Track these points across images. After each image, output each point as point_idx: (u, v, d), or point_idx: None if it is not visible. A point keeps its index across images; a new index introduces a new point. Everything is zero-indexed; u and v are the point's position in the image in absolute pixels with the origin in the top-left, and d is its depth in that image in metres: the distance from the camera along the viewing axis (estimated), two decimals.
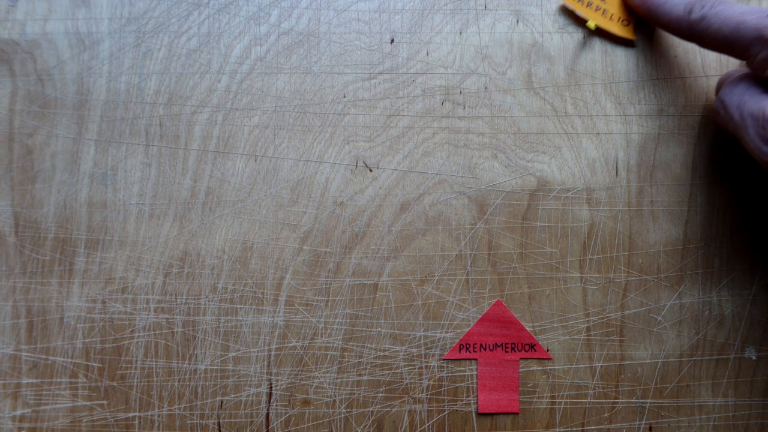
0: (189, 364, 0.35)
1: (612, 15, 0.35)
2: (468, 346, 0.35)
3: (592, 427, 0.35)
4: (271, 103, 0.35)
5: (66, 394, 0.34)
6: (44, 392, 0.34)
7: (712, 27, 0.30)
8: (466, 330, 0.35)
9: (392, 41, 0.36)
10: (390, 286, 0.35)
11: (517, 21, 0.36)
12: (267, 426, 0.34)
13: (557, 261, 0.35)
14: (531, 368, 0.35)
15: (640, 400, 0.35)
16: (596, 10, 0.35)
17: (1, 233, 0.35)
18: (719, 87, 0.34)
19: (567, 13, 0.36)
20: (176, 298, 0.35)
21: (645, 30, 0.36)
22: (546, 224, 0.35)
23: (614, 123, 0.35)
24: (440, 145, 0.35)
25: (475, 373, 0.35)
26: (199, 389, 0.34)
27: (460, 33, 0.36)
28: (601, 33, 0.36)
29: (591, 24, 0.35)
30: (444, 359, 0.35)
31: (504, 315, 0.35)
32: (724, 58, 0.36)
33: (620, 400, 0.35)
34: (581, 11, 0.35)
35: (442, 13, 0.36)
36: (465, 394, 0.34)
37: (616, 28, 0.35)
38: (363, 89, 0.36)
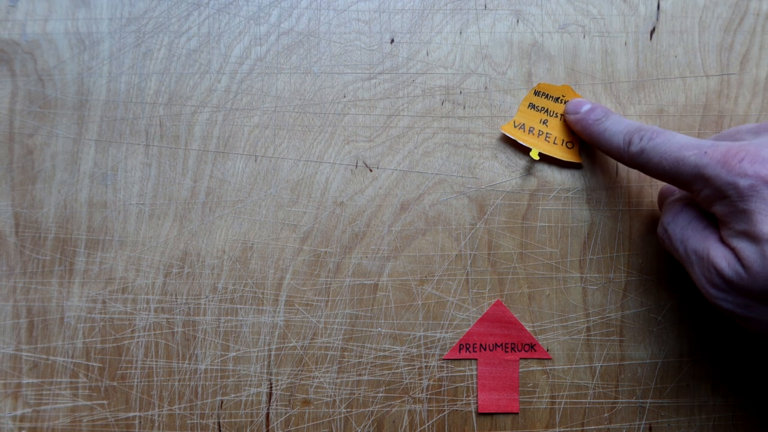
0: (189, 364, 0.35)
1: (555, 138, 0.35)
2: (468, 346, 0.35)
3: (592, 427, 0.35)
4: (271, 103, 0.35)
5: (66, 393, 0.34)
6: (45, 392, 0.34)
7: (651, 161, 0.29)
8: (466, 330, 0.35)
9: (392, 41, 0.36)
10: (390, 286, 0.35)
11: (517, 21, 0.36)
12: (267, 426, 0.34)
13: (557, 261, 0.35)
14: (531, 368, 0.35)
15: (640, 400, 0.35)
16: (539, 135, 0.35)
17: (2, 233, 0.35)
18: (661, 201, 0.33)
19: (508, 141, 0.35)
20: (176, 298, 0.35)
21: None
22: (546, 224, 0.35)
23: None
24: (440, 145, 0.35)
25: (475, 373, 0.35)
26: (199, 389, 0.34)
27: (460, 33, 0.36)
28: (546, 158, 0.35)
29: (534, 153, 0.34)
30: (444, 359, 0.35)
31: (504, 315, 0.35)
32: (724, 57, 0.36)
33: (620, 400, 0.35)
34: (522, 140, 0.35)
35: (442, 13, 0.36)
36: (465, 394, 0.35)
37: (561, 153, 0.35)
38: (363, 89, 0.36)
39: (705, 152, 0.27)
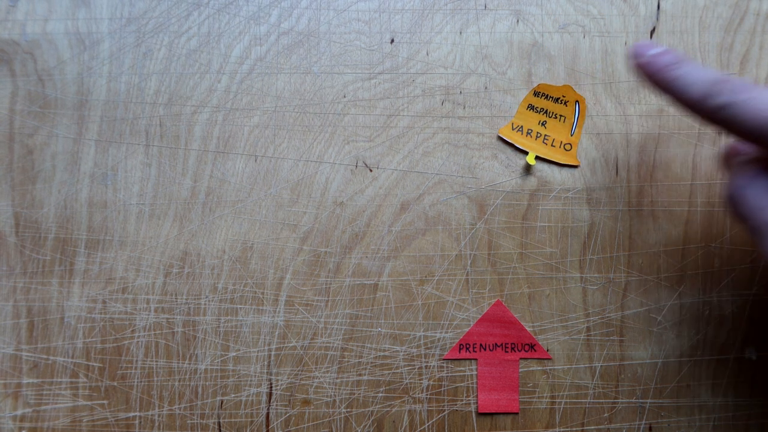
0: (189, 364, 0.35)
1: (553, 141, 0.35)
2: (468, 346, 0.35)
3: (592, 427, 0.35)
4: (271, 103, 0.35)
5: (66, 393, 0.34)
6: (45, 392, 0.34)
7: (736, 118, 0.25)
8: (466, 330, 0.35)
9: (392, 41, 0.36)
10: (390, 286, 0.35)
11: (517, 21, 0.36)
12: (267, 426, 0.34)
13: (557, 261, 0.35)
14: (531, 368, 0.35)
15: (640, 400, 0.35)
16: (536, 137, 0.35)
17: (2, 233, 0.35)
18: (727, 161, 0.30)
19: (505, 143, 0.35)
20: (176, 298, 0.35)
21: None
22: (546, 224, 0.35)
23: (614, 123, 0.35)
24: (440, 145, 0.35)
25: (475, 373, 0.35)
26: (200, 389, 0.34)
27: (460, 33, 0.36)
28: (543, 160, 0.35)
29: (530, 159, 0.34)
30: (444, 359, 0.35)
31: (504, 315, 0.35)
32: (724, 57, 0.36)
33: (620, 400, 0.35)
34: (519, 143, 0.35)
35: (442, 13, 0.36)
36: (465, 394, 0.35)
37: (559, 156, 0.35)
38: (363, 89, 0.36)
39: None
